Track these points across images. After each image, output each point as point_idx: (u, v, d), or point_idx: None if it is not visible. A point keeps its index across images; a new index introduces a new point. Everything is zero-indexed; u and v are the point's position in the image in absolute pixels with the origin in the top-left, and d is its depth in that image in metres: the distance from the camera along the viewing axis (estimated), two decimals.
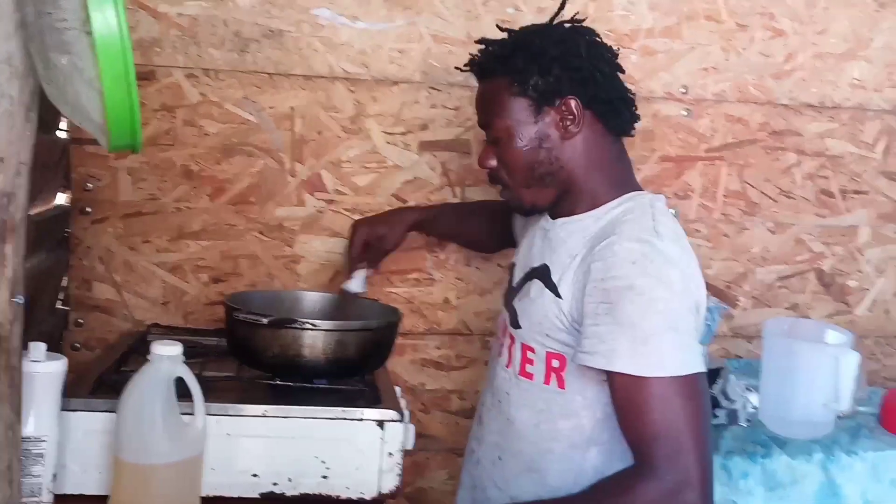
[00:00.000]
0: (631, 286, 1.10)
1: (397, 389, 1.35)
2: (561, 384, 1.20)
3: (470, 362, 1.79)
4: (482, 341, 1.78)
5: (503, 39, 1.27)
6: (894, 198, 1.90)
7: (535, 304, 1.24)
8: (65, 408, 1.10)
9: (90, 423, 1.14)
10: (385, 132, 1.69)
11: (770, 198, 1.85)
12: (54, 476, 1.08)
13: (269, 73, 1.63)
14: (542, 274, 1.25)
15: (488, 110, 1.27)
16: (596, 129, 1.24)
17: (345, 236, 1.67)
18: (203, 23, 1.59)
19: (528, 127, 1.22)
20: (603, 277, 1.13)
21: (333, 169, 1.68)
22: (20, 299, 0.87)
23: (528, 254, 1.33)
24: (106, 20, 0.76)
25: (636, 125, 1.29)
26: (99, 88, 0.78)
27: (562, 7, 1.29)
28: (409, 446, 1.24)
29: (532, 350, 1.24)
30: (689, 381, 1.10)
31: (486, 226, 1.62)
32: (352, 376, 1.34)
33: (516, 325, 1.28)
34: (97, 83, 0.78)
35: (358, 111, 1.67)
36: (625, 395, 1.12)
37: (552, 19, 1.28)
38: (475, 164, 1.70)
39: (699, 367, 1.12)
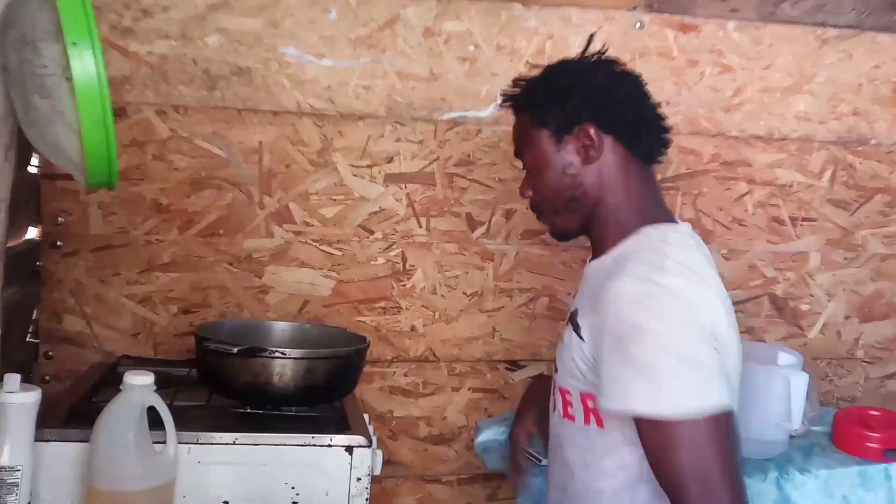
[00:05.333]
0: (635, 326, 1.09)
1: (365, 416, 1.38)
2: (600, 423, 1.19)
3: (437, 389, 1.82)
4: (449, 368, 1.82)
5: (528, 77, 1.31)
6: (841, 224, 1.97)
7: (567, 348, 1.25)
8: (38, 438, 1.11)
9: (63, 453, 1.16)
10: (351, 165, 1.72)
11: (723, 225, 1.91)
12: None
13: (237, 109, 1.66)
14: (573, 318, 1.25)
15: (519, 143, 1.32)
16: (619, 154, 1.25)
17: (313, 267, 1.71)
18: (173, 61, 1.62)
19: (552, 156, 1.25)
20: (610, 320, 1.12)
21: (301, 201, 1.71)
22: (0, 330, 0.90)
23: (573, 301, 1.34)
24: (85, 67, 0.80)
25: (664, 151, 1.30)
26: (78, 130, 0.82)
27: (589, 43, 1.31)
28: (377, 472, 1.27)
29: (568, 392, 1.24)
30: (710, 418, 1.06)
31: None
32: (321, 403, 1.36)
33: (556, 371, 1.30)
34: (76, 125, 0.82)
35: (324, 145, 1.71)
36: (649, 437, 1.10)
37: (581, 55, 1.31)
38: (439, 195, 1.76)
39: (720, 400, 1.07)
